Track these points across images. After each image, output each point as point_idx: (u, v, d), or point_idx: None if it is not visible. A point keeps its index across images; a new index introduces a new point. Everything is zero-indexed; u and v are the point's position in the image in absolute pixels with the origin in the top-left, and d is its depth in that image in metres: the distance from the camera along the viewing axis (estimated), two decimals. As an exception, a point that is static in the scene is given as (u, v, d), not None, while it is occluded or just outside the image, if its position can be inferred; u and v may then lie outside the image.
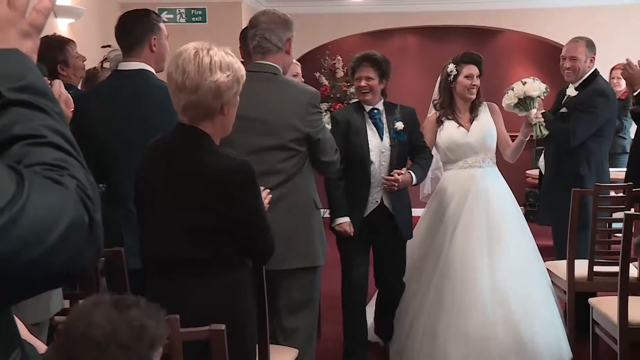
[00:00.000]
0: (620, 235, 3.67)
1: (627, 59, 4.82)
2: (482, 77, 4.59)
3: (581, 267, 4.28)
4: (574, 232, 4.37)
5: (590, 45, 5.02)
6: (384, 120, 4.32)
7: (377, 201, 4.28)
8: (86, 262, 1.01)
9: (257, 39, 3.45)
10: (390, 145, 4.27)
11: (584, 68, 4.97)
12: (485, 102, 4.67)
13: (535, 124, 4.57)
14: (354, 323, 4.40)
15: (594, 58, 5.04)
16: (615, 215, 4.44)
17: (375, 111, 4.31)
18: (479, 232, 4.38)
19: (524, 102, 4.56)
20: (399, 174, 4.20)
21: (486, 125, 4.59)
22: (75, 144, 1.05)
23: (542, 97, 4.64)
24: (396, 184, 4.17)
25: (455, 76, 4.53)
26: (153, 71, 3.55)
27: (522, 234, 4.51)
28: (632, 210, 4.00)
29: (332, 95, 7.88)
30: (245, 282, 2.54)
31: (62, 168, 1.00)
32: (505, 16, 9.08)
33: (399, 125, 4.26)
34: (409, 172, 4.27)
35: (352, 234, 4.21)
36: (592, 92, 4.85)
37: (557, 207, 4.70)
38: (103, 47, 5.27)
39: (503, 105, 4.65)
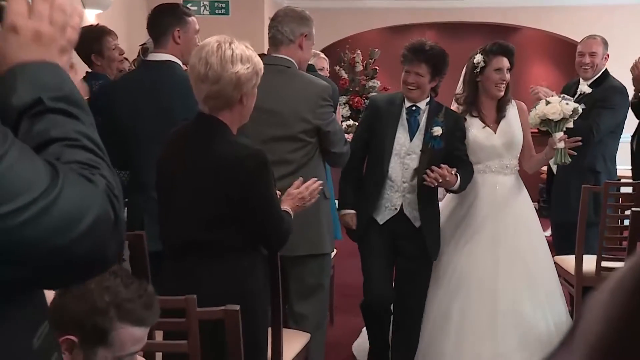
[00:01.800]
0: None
1: (638, 58, 4.85)
2: (512, 70, 4.01)
3: (588, 262, 4.32)
4: (583, 228, 4.40)
5: (605, 43, 5.06)
6: (423, 120, 3.78)
7: (395, 208, 3.77)
8: (109, 254, 1.07)
9: (272, 32, 3.54)
10: (420, 150, 3.74)
11: (600, 65, 5.01)
12: (513, 100, 4.07)
13: (557, 150, 3.94)
14: (376, 335, 4.01)
15: (608, 56, 5.08)
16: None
17: (414, 108, 3.79)
18: (496, 248, 3.89)
19: (547, 122, 3.97)
20: (449, 172, 3.62)
21: (514, 127, 4.00)
22: (103, 148, 1.13)
23: (571, 125, 4.00)
24: (439, 180, 3.61)
25: (483, 68, 3.88)
26: (179, 63, 3.63)
27: (543, 253, 4.03)
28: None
29: (351, 89, 7.93)
30: (257, 267, 2.60)
31: (94, 167, 1.07)
32: (524, 13, 9.08)
33: (437, 130, 3.69)
34: (456, 175, 3.69)
35: (353, 227, 3.84)
36: (609, 88, 4.87)
37: (573, 202, 4.67)
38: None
39: (529, 120, 4.07)
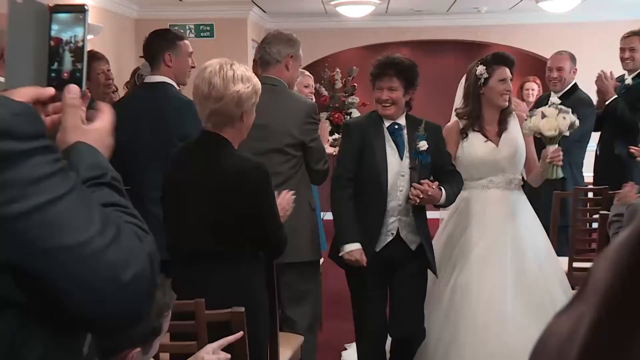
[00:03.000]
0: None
1: (601, 71, 5.05)
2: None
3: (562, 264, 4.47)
4: (555, 231, 4.56)
5: (572, 58, 5.25)
6: (405, 137, 3.50)
7: (392, 233, 3.48)
8: (143, 311, 1.12)
9: (261, 53, 3.74)
10: (410, 168, 3.46)
11: (568, 79, 5.19)
12: (514, 112, 3.84)
13: (549, 163, 3.67)
14: None
15: (576, 70, 5.27)
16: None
17: (397, 127, 3.51)
18: (504, 266, 3.60)
19: (542, 135, 3.70)
20: (430, 187, 3.36)
21: (517, 140, 3.76)
22: (139, 218, 1.20)
23: (567, 134, 3.73)
24: (421, 196, 3.34)
25: (487, 80, 3.67)
26: (174, 84, 3.78)
27: (552, 272, 3.76)
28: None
29: (331, 105, 8.06)
30: (258, 273, 2.71)
31: (144, 231, 1.15)
32: (494, 32, 9.30)
33: (422, 144, 3.43)
34: (440, 188, 3.43)
35: (365, 264, 3.41)
36: (577, 101, 5.02)
37: (541, 209, 4.81)
38: (140, 57, 5.57)
39: (522, 130, 3.79)
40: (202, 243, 2.58)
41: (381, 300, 3.57)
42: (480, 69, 3.68)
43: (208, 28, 7.56)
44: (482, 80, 3.68)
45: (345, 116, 7.72)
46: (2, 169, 0.97)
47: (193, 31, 7.53)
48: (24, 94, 1.15)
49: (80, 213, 1.03)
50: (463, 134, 3.74)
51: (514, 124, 3.78)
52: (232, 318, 2.34)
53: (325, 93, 8.15)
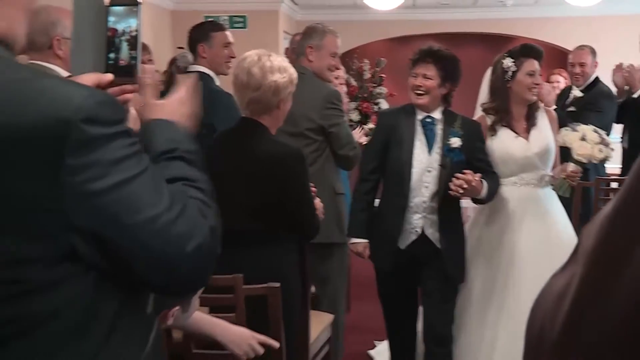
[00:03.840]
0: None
1: (630, 64, 5.08)
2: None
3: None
4: (577, 220, 4.60)
5: (593, 52, 5.28)
6: (439, 131, 3.31)
7: (417, 231, 3.30)
8: (205, 279, 1.24)
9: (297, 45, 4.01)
10: (439, 165, 3.26)
11: (590, 72, 5.23)
12: (542, 106, 3.67)
13: (562, 179, 3.51)
14: None
15: (597, 63, 5.30)
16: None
17: (430, 119, 3.33)
18: (538, 267, 3.27)
19: (569, 151, 3.54)
20: (473, 177, 3.13)
21: (547, 136, 3.55)
22: (213, 195, 1.31)
23: (594, 161, 3.60)
24: (464, 186, 3.12)
25: (515, 73, 3.46)
26: (210, 74, 3.90)
27: None
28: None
29: (359, 95, 8.13)
30: (292, 253, 2.80)
31: (207, 206, 1.24)
32: (518, 24, 9.30)
33: (455, 141, 3.23)
34: (482, 181, 3.21)
35: (365, 257, 3.42)
36: (599, 93, 5.08)
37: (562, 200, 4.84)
38: (178, 47, 5.71)
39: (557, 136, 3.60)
40: (238, 225, 2.67)
41: (409, 300, 3.47)
42: (508, 61, 3.46)
43: (241, 19, 7.68)
44: (510, 73, 3.46)
45: (373, 106, 7.78)
46: (89, 150, 1.07)
47: (227, 22, 7.64)
48: (87, 80, 1.26)
49: (152, 191, 1.13)
50: (492, 130, 3.50)
51: (542, 119, 3.58)
52: (268, 292, 2.45)
53: (354, 83, 8.22)
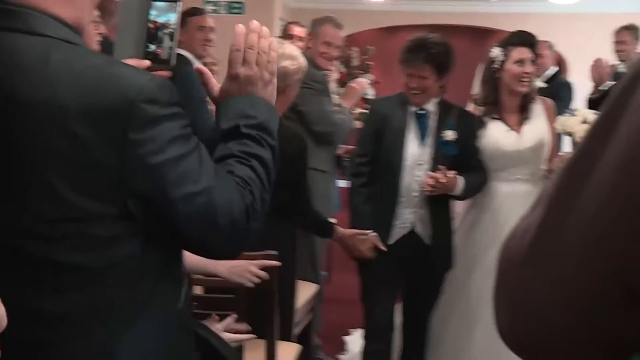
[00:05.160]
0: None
1: (598, 58, 5.44)
2: (536, 63, 3.31)
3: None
4: None
5: (551, 47, 5.64)
6: (433, 122, 3.13)
7: (407, 226, 3.15)
8: (239, 249, 1.39)
9: None
10: (432, 158, 3.10)
11: (548, 65, 5.57)
12: (540, 97, 3.41)
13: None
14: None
15: (557, 57, 5.80)
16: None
17: (423, 111, 3.16)
18: None
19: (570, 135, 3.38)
20: (445, 175, 2.99)
21: (542, 130, 3.31)
22: (270, 171, 1.39)
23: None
24: (436, 185, 3.01)
25: (503, 62, 3.22)
26: (188, 56, 4.06)
27: None
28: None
29: (347, 82, 8.35)
30: (286, 228, 2.91)
31: (248, 184, 1.33)
32: (503, 18, 9.54)
33: (449, 134, 3.07)
34: (457, 177, 3.05)
35: (383, 248, 3.06)
36: (558, 85, 5.38)
37: None
38: None
39: (555, 124, 3.39)
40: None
41: (390, 302, 3.26)
42: (496, 51, 3.25)
43: (239, 5, 7.83)
44: (498, 63, 3.24)
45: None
46: (151, 127, 1.20)
47: (226, 8, 7.81)
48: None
49: (197, 169, 1.25)
50: (481, 123, 3.29)
51: (537, 111, 3.34)
52: (265, 258, 2.65)
53: (344, 70, 8.41)
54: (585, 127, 3.18)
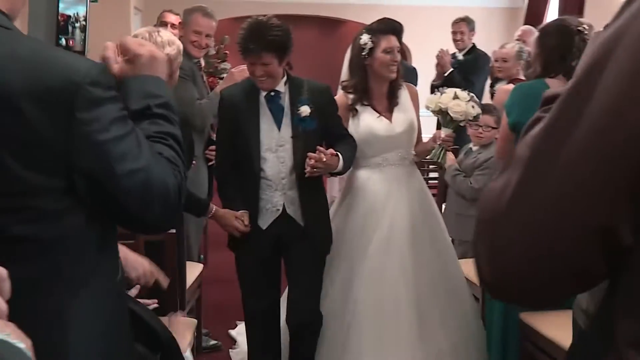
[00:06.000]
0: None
1: (441, 48, 5.97)
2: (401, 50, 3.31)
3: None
4: (444, 190, 4.40)
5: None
6: (287, 102, 3.09)
7: (277, 209, 3.11)
8: (169, 221, 1.44)
9: None
10: (291, 137, 3.07)
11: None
12: (404, 84, 3.43)
13: (438, 147, 3.37)
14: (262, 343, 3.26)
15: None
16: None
17: (273, 93, 3.10)
18: (400, 247, 3.25)
19: (443, 114, 3.38)
20: (325, 154, 2.95)
21: (410, 114, 3.38)
22: (182, 146, 1.45)
23: (466, 124, 3.54)
24: (319, 166, 2.96)
25: (372, 50, 3.25)
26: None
27: (443, 241, 3.45)
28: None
29: (206, 71, 8.37)
30: None
31: (174, 164, 1.41)
32: (349, 9, 9.99)
33: (304, 110, 3.05)
34: (337, 155, 3.03)
35: (247, 223, 3.08)
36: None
37: None
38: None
39: (426, 104, 3.45)
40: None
41: (272, 283, 3.20)
42: (365, 38, 3.26)
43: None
44: (367, 50, 3.26)
45: (219, 81, 8.06)
46: (96, 108, 1.28)
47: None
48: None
49: (137, 147, 1.33)
50: (352, 110, 3.33)
51: (404, 97, 3.40)
52: (166, 239, 2.76)
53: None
54: (457, 103, 3.32)
